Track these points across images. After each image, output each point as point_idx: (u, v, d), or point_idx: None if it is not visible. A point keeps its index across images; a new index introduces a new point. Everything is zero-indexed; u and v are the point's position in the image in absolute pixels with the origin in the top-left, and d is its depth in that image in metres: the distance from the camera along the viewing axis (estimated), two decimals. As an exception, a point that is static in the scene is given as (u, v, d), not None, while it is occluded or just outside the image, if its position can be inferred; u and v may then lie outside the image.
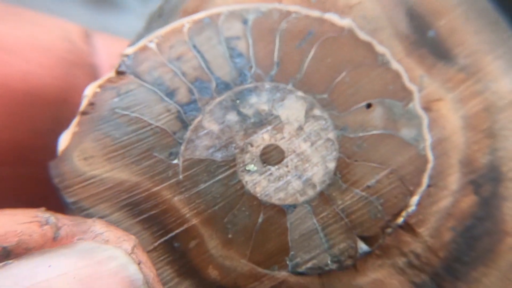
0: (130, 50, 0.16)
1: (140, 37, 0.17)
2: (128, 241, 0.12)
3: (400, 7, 0.17)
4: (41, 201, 0.18)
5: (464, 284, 0.15)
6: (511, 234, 0.15)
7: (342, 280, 0.15)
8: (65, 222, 0.12)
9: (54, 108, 0.19)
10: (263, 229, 0.15)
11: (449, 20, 0.17)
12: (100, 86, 0.15)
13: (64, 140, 0.15)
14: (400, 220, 0.15)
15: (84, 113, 0.15)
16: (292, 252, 0.15)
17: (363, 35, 0.17)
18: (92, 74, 0.21)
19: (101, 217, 0.14)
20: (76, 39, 0.21)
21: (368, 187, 0.15)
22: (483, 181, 0.15)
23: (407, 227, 0.15)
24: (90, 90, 0.15)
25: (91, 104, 0.15)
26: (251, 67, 0.16)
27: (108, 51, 0.22)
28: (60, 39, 0.20)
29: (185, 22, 0.16)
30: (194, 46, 0.16)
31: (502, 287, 0.15)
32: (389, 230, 0.15)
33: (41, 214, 0.12)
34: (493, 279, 0.15)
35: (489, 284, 0.15)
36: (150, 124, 0.15)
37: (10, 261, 0.10)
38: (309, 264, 0.15)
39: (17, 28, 0.19)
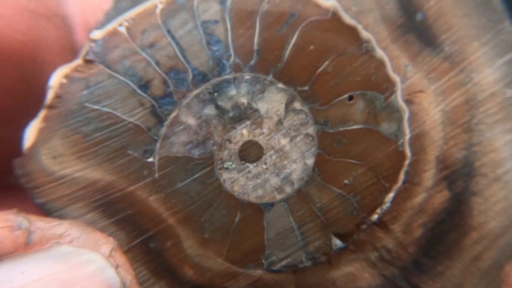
0: (98, 34, 0.15)
1: (108, 17, 0.15)
2: (106, 244, 0.12)
3: None
4: (10, 165, 0.17)
5: (429, 278, 0.16)
6: (476, 229, 0.16)
7: (315, 274, 0.15)
8: (39, 225, 0.11)
9: (19, 66, 0.17)
10: (240, 228, 0.15)
11: (438, 1, 0.17)
12: (67, 77, 0.14)
13: (29, 136, 0.14)
14: (375, 217, 0.16)
15: (50, 107, 0.14)
16: (268, 251, 0.15)
17: (348, 19, 0.16)
18: (63, 26, 0.19)
19: (74, 218, 0.14)
20: None
21: (346, 184, 0.15)
22: (456, 176, 0.16)
23: (381, 223, 0.16)
24: (55, 81, 0.14)
25: (57, 97, 0.14)
26: (229, 56, 0.15)
27: (81, 0, 0.19)
28: None
29: (158, 2, 0.15)
30: (169, 31, 0.15)
31: (463, 280, 0.16)
32: (363, 226, 0.16)
33: (13, 218, 0.11)
34: (455, 271, 0.16)
35: (451, 276, 0.16)
36: (123, 120, 0.15)
37: None
38: (284, 262, 0.15)
39: None
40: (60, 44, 0.19)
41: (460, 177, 0.16)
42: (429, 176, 0.16)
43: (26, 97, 0.18)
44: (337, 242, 0.15)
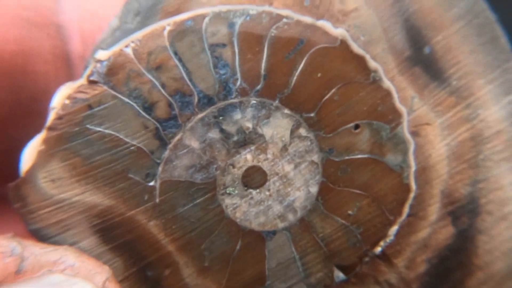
0: (103, 55, 0.15)
1: (114, 38, 0.16)
2: (101, 274, 0.12)
3: (397, 17, 0.17)
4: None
5: None
6: (482, 268, 0.16)
7: None
8: (32, 251, 0.11)
9: (9, 77, 0.17)
10: (240, 256, 0.15)
11: (446, 36, 0.17)
12: (69, 97, 0.14)
13: (27, 159, 0.14)
14: (378, 249, 0.15)
15: (51, 128, 0.14)
16: (268, 282, 0.15)
17: (356, 48, 0.16)
18: (58, 35, 0.19)
19: (70, 245, 0.14)
20: None
21: (349, 215, 0.15)
22: (461, 212, 0.16)
23: (384, 257, 0.16)
24: (57, 102, 0.14)
25: (59, 118, 0.14)
26: (236, 79, 0.15)
27: (78, 8, 0.19)
28: None
29: (166, 24, 0.15)
30: (176, 53, 0.15)
31: None
32: (366, 259, 0.15)
33: (6, 243, 0.11)
34: None
35: None
36: (126, 143, 0.14)
37: None
38: None
39: None
40: (53, 53, 0.19)
41: (465, 213, 0.16)
42: (433, 210, 0.16)
43: (15, 107, 0.18)
44: (339, 275, 0.15)
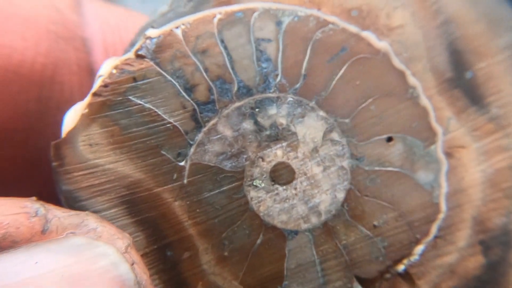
0: (153, 33, 0.15)
1: (164, 18, 0.16)
2: (122, 240, 0.11)
3: (442, 39, 0.17)
4: (26, 185, 0.17)
5: None
6: None
7: None
8: (56, 213, 0.11)
9: (39, 87, 0.18)
10: (260, 251, 0.14)
11: (490, 64, 0.17)
12: (117, 68, 0.15)
13: (70, 121, 0.14)
14: (401, 267, 0.15)
15: (96, 94, 0.14)
16: (285, 282, 0.14)
17: (397, 63, 0.16)
18: (83, 48, 0.20)
19: (97, 211, 0.14)
20: (64, 8, 0.19)
21: (375, 226, 0.15)
22: (493, 243, 0.15)
23: (407, 276, 0.15)
24: (105, 70, 0.15)
25: (105, 85, 0.14)
26: (277, 75, 0.15)
27: (101, 22, 0.20)
28: (46, 7, 0.18)
29: (217, 12, 0.16)
30: (222, 41, 0.15)
31: None
32: (388, 275, 0.15)
33: (30, 204, 0.11)
34: None
35: None
36: (163, 119, 0.15)
37: None
38: None
39: None
40: (78, 65, 0.20)
41: (497, 245, 0.15)
42: (463, 236, 0.15)
43: (43, 116, 0.19)
44: (357, 287, 0.15)
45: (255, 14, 0.16)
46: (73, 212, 0.11)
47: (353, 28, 0.16)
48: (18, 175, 0.19)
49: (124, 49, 0.17)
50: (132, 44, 0.16)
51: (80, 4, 0.20)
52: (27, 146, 0.19)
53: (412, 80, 0.16)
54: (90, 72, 0.20)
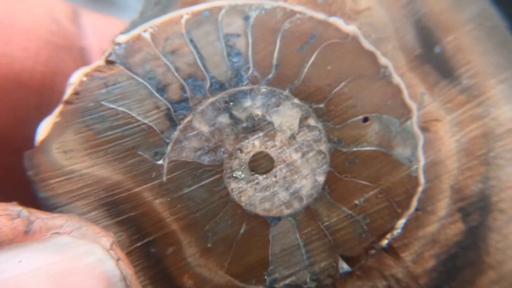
0: (122, 39, 0.15)
1: (134, 24, 0.16)
2: (107, 237, 0.12)
3: (409, 17, 0.17)
4: (24, 193, 0.17)
5: None
6: (494, 267, 0.15)
7: None
8: (38, 215, 0.11)
9: (38, 95, 0.19)
10: (244, 240, 0.15)
11: (457, 37, 0.17)
12: (87, 75, 0.15)
13: (43, 130, 0.14)
14: (385, 242, 0.15)
15: (67, 102, 0.15)
16: (271, 267, 0.15)
17: (367, 44, 0.17)
18: (81, 58, 0.20)
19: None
20: (63, 19, 0.20)
21: (356, 205, 0.15)
22: (471, 209, 0.16)
23: (391, 250, 0.15)
24: (76, 78, 0.15)
25: (76, 93, 0.15)
26: (248, 68, 0.16)
27: (99, 33, 0.21)
28: (45, 19, 0.19)
29: (184, 13, 0.16)
30: (191, 41, 0.16)
31: None
32: (372, 251, 0.15)
33: (11, 207, 0.11)
34: None
35: None
36: (138, 121, 0.15)
37: None
38: (287, 281, 0.15)
39: None
40: None
41: (475, 210, 0.16)
42: (442, 205, 0.16)
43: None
44: (343, 266, 0.15)
45: (222, 11, 0.16)
46: (56, 214, 0.12)
47: (320, 16, 0.17)
48: (16, 183, 0.19)
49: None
50: (103, 53, 0.16)
51: (78, 16, 0.21)
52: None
53: (383, 60, 0.16)
54: None
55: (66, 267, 0.10)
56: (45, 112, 0.19)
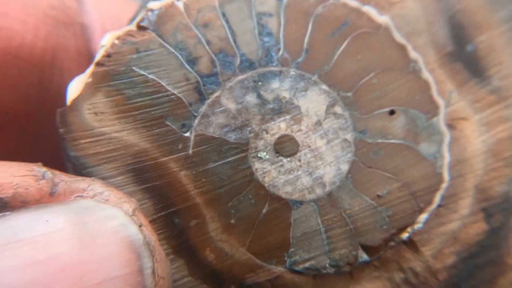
0: (155, 4, 0.15)
1: None
2: (129, 203, 0.11)
3: (443, 13, 0.17)
4: None
5: None
6: None
7: (336, 285, 0.15)
8: (62, 178, 0.11)
9: (39, 72, 0.18)
10: (266, 220, 0.14)
11: (491, 37, 0.17)
12: (119, 38, 0.15)
13: (74, 89, 0.14)
14: (405, 235, 0.15)
15: (99, 64, 0.14)
16: (292, 249, 0.14)
17: (398, 37, 0.16)
18: (82, 34, 0.20)
19: (104, 178, 0.14)
20: None
21: (379, 196, 0.15)
22: (495, 210, 0.16)
23: (411, 243, 0.15)
24: (107, 41, 0.15)
25: (107, 55, 0.14)
26: (279, 49, 0.15)
27: (100, 10, 0.20)
28: None
29: None
30: (224, 15, 0.15)
31: None
32: (392, 243, 0.15)
33: (37, 168, 0.11)
34: None
35: None
36: (167, 90, 0.15)
37: (7, 212, 0.10)
38: (307, 264, 0.14)
39: None
40: (78, 51, 0.20)
41: (499, 211, 0.16)
42: (466, 204, 0.15)
43: (43, 102, 0.19)
44: (362, 255, 0.15)
45: None
46: (79, 178, 0.12)
47: (354, 3, 0.16)
48: (19, 160, 0.19)
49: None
50: (133, 19, 0.16)
51: None
52: (28, 131, 0.19)
53: (413, 54, 0.16)
54: (90, 58, 0.20)
55: (91, 229, 0.10)
56: (47, 89, 0.18)
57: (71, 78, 0.20)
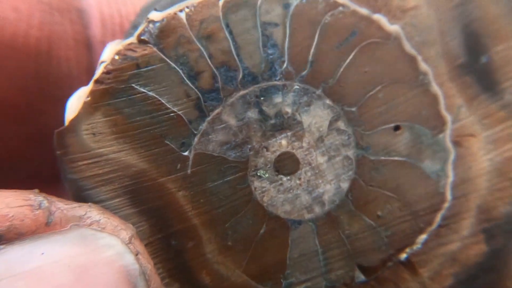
0: (156, 16, 0.15)
1: (169, 1, 0.15)
2: (126, 230, 0.12)
3: (458, 21, 0.16)
4: (27, 161, 0.17)
5: None
6: None
7: None
8: (59, 206, 0.11)
9: (36, 63, 0.17)
10: (263, 241, 0.15)
11: (507, 48, 0.16)
12: (119, 53, 0.14)
13: (73, 108, 0.14)
14: (403, 256, 0.15)
15: (98, 81, 0.14)
16: (288, 271, 0.15)
17: (409, 47, 0.16)
18: (79, 21, 0.19)
19: (101, 201, 0.14)
20: None
21: (378, 216, 0.15)
22: (497, 232, 0.15)
23: (409, 264, 0.15)
24: (108, 56, 0.14)
25: (107, 72, 0.14)
26: (283, 62, 0.15)
27: None
28: None
29: None
30: (227, 26, 0.15)
31: None
32: (390, 264, 0.15)
33: (33, 197, 0.11)
34: None
35: None
36: (167, 108, 0.14)
37: (1, 246, 0.10)
38: (302, 286, 0.15)
39: None
40: (75, 38, 0.19)
41: (501, 233, 0.15)
42: (467, 224, 0.15)
43: (40, 93, 0.18)
44: (359, 276, 0.15)
45: None
46: (75, 204, 0.12)
47: (364, 11, 0.16)
48: (19, 152, 0.19)
49: (121, 25, 0.16)
50: (135, 27, 0.15)
51: None
52: (28, 123, 0.19)
53: (423, 66, 0.16)
54: (88, 46, 0.19)
55: (87, 259, 0.10)
56: (45, 80, 0.18)
57: (69, 67, 0.20)
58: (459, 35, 0.16)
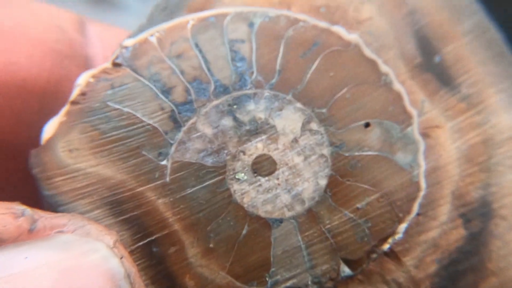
0: (129, 42, 0.16)
1: (141, 28, 0.17)
2: (110, 236, 0.12)
3: (409, 27, 0.18)
4: (24, 195, 0.17)
5: None
6: (496, 274, 0.15)
7: None
8: (42, 215, 0.11)
9: (42, 101, 0.19)
10: (246, 241, 0.15)
11: (456, 47, 0.18)
12: (94, 76, 0.15)
13: (49, 129, 0.15)
14: (386, 246, 0.15)
15: (74, 102, 0.15)
16: (273, 269, 0.15)
17: (368, 52, 0.17)
18: (85, 66, 0.20)
19: (81, 214, 0.14)
20: (69, 28, 0.20)
21: (358, 209, 0.15)
22: (473, 215, 0.16)
23: (392, 254, 0.15)
24: (83, 79, 0.15)
25: (82, 94, 0.15)
26: (252, 72, 0.16)
27: (103, 42, 0.21)
28: (51, 27, 0.19)
29: (190, 19, 0.16)
30: (196, 45, 0.16)
31: None
32: (374, 255, 0.15)
33: (16, 206, 0.11)
34: None
35: None
36: (142, 121, 0.15)
37: None
38: (288, 283, 0.14)
39: (4, 14, 0.18)
40: None
41: (477, 216, 0.16)
42: (444, 210, 0.16)
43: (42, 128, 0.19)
44: (345, 269, 0.15)
45: (228, 18, 0.16)
46: (59, 214, 0.12)
47: (323, 24, 0.17)
48: (19, 185, 0.19)
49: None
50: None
51: (84, 25, 0.21)
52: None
53: (384, 67, 0.17)
54: None
55: (72, 264, 0.10)
56: (48, 116, 0.19)
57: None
58: (412, 39, 0.17)
